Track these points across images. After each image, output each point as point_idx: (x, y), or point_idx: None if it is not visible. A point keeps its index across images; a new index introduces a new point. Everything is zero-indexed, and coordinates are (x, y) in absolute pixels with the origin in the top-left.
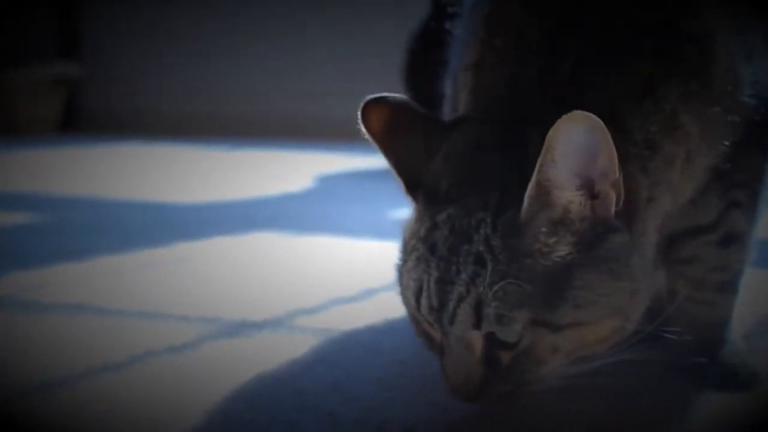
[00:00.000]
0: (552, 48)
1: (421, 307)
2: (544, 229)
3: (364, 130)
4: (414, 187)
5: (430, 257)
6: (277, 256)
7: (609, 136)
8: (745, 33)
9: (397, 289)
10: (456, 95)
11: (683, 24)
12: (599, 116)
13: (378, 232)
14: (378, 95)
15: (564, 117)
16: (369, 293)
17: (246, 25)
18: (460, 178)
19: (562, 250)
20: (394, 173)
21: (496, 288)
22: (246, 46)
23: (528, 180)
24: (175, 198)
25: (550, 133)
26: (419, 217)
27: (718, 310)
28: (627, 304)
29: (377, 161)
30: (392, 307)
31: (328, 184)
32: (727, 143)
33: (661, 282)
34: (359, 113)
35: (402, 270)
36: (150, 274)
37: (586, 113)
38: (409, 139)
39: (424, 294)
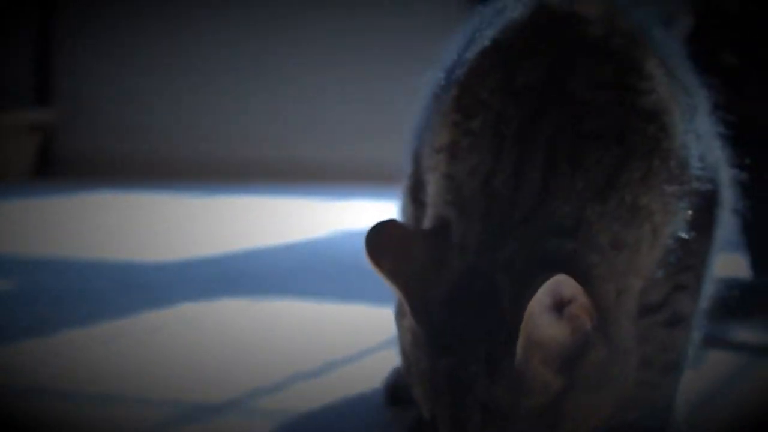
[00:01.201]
0: (525, 136)
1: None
2: (538, 370)
3: (370, 259)
4: (421, 313)
5: (437, 399)
6: (243, 323)
7: (580, 289)
8: (694, 113)
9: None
10: (418, 173)
11: (641, 102)
12: (568, 232)
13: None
14: (380, 222)
15: (538, 290)
16: (332, 366)
17: (222, 68)
18: (452, 320)
19: (555, 381)
20: (404, 301)
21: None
22: (224, 90)
23: (504, 327)
24: (145, 255)
25: (529, 304)
26: (425, 354)
27: (662, 392)
28: (608, 405)
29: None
30: (354, 383)
31: (311, 238)
32: (684, 220)
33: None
34: (365, 244)
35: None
36: (114, 349)
37: (559, 279)
38: (412, 262)
39: (433, 407)
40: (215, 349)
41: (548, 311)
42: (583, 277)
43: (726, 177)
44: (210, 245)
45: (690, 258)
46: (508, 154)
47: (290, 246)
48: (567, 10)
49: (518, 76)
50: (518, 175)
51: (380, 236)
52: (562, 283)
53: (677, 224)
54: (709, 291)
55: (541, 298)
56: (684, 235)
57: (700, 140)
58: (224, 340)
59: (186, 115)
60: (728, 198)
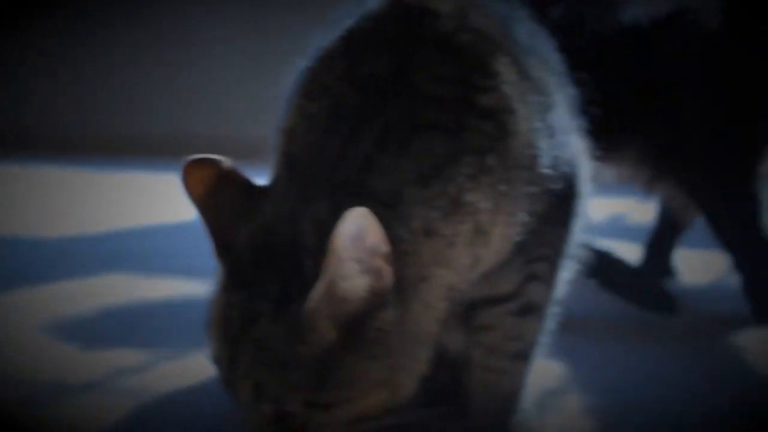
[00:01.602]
0: (360, 121)
1: (221, 382)
2: (323, 320)
3: (184, 188)
4: (224, 253)
5: (223, 335)
6: (120, 301)
7: (375, 220)
8: (548, 111)
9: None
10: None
11: (481, 99)
12: (380, 201)
13: None
14: (201, 156)
15: (341, 221)
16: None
17: (134, 41)
18: (254, 260)
19: (333, 336)
20: (208, 235)
21: (271, 374)
22: (139, 63)
23: (302, 272)
24: (40, 231)
25: (334, 237)
26: (223, 289)
27: (511, 379)
28: (390, 378)
29: None
30: None
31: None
32: (527, 216)
33: (459, 347)
34: (181, 172)
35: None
36: None
37: (358, 210)
38: (227, 204)
39: (222, 372)
40: (85, 327)
41: (351, 260)
42: (390, 241)
43: (584, 171)
44: (104, 222)
45: (543, 249)
46: (340, 134)
47: (185, 224)
48: (420, 4)
49: (363, 65)
50: (345, 151)
51: (200, 169)
52: (364, 219)
53: (516, 222)
54: (565, 280)
55: (345, 241)
56: (533, 228)
57: (555, 137)
58: (97, 320)
59: (93, 88)
60: (586, 191)
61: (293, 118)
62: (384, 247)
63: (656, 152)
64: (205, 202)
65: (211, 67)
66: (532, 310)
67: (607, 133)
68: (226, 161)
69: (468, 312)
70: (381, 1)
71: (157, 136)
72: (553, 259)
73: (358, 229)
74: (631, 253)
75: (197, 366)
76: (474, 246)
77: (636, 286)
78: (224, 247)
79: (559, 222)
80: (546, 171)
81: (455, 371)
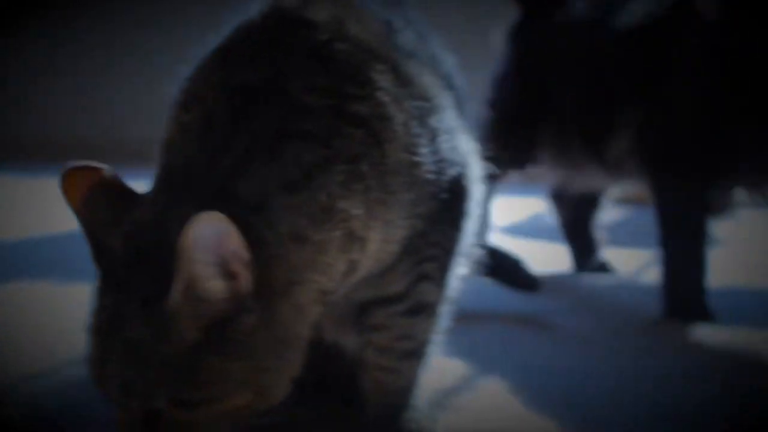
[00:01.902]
0: (231, 131)
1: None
2: (184, 320)
3: (63, 195)
4: (99, 258)
5: (95, 335)
6: (35, 309)
7: (232, 225)
8: (430, 115)
9: None
10: None
11: (353, 107)
12: (246, 207)
13: None
14: (80, 164)
15: (191, 221)
16: None
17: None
18: (124, 263)
19: (196, 334)
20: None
21: (138, 372)
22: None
23: (169, 273)
24: None
25: (183, 236)
26: (97, 292)
27: (402, 377)
28: (255, 379)
29: None
30: None
31: None
32: (410, 220)
33: (352, 348)
34: (60, 179)
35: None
36: None
37: (211, 213)
38: (103, 210)
39: (92, 369)
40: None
41: (204, 263)
42: (254, 246)
43: (474, 172)
44: (39, 228)
45: (433, 250)
46: (212, 144)
47: None
48: (296, 14)
49: (237, 75)
50: (215, 159)
51: (79, 176)
52: (219, 223)
53: (396, 227)
54: (458, 280)
55: (192, 241)
56: (421, 230)
57: (438, 141)
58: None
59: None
60: (476, 192)
61: (170, 130)
62: (243, 251)
63: (643, 139)
64: (82, 209)
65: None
66: (423, 310)
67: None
68: (105, 169)
69: (360, 313)
70: (259, 10)
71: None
72: (443, 260)
73: (211, 231)
74: (550, 251)
75: None
76: (348, 252)
77: (506, 269)
78: (99, 252)
79: (447, 223)
80: (428, 175)
81: (353, 372)
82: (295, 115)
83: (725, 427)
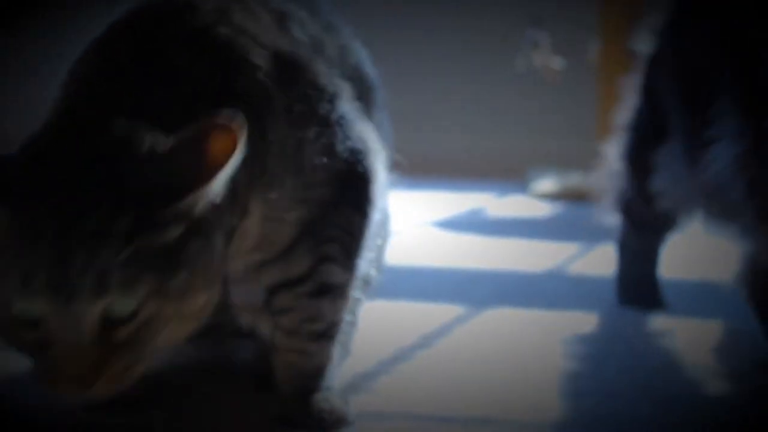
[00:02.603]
0: (106, 117)
1: (29, 294)
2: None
3: None
4: None
5: (35, 246)
6: None
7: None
8: (323, 101)
9: None
10: None
11: (233, 84)
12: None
13: None
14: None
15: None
16: None
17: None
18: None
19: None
20: None
21: (122, 254)
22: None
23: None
24: None
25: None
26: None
27: (311, 358)
28: (213, 280)
29: None
30: None
31: None
32: (302, 202)
33: (264, 332)
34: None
35: None
36: None
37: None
38: None
39: (36, 280)
40: None
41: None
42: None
43: (375, 157)
44: None
45: (332, 230)
46: (85, 134)
47: None
48: (183, 1)
49: (120, 58)
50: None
51: None
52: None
53: (281, 210)
54: (368, 262)
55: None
56: (320, 213)
57: (335, 128)
58: None
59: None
60: (379, 177)
61: (51, 116)
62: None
63: None
64: None
65: None
66: (329, 291)
67: None
68: None
69: (268, 297)
70: None
71: None
72: (345, 241)
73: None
74: (488, 247)
75: None
76: (232, 212)
77: None
78: None
79: (350, 207)
80: (318, 159)
81: (265, 354)
82: (175, 98)
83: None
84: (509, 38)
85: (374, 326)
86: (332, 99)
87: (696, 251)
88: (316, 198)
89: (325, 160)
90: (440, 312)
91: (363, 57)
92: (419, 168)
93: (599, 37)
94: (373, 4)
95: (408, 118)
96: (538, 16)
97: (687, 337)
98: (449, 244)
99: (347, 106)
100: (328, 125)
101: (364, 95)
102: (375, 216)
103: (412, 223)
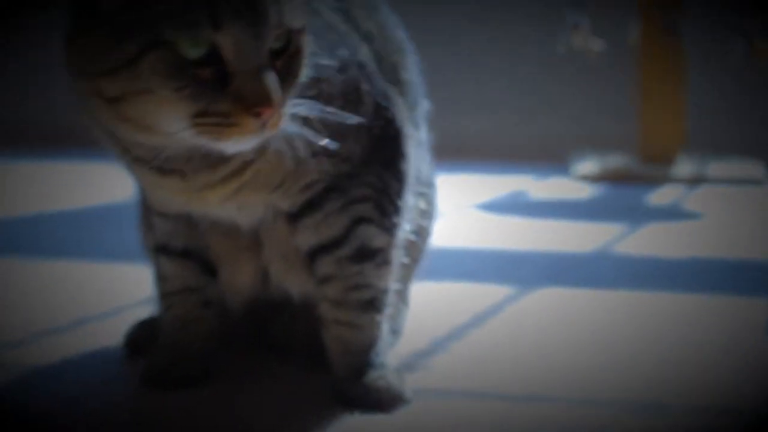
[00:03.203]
0: None
1: (221, 20)
2: None
3: None
4: None
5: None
6: (10, 286)
7: None
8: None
9: None
10: None
11: None
12: None
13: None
14: None
15: None
16: (79, 323)
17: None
18: None
19: None
20: None
21: None
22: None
23: None
24: None
25: None
26: None
27: (361, 332)
28: None
29: None
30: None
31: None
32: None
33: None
34: None
35: None
36: None
37: None
38: None
39: (226, 7)
40: None
41: None
42: None
43: (402, 112)
44: (4, 208)
45: (364, 190)
46: None
47: (80, 211)
48: None
49: None
50: None
51: None
52: None
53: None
54: (409, 227)
55: None
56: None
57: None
58: None
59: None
60: (409, 131)
61: None
62: None
63: None
64: None
65: None
66: (370, 255)
67: None
68: None
69: (311, 265)
70: None
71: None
72: (380, 202)
73: None
74: (531, 229)
75: (73, 339)
76: None
77: None
78: None
79: (381, 164)
80: (345, 105)
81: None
82: None
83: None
84: (550, 20)
85: (425, 306)
86: (352, 47)
87: None
88: (342, 153)
89: (351, 108)
90: (490, 292)
91: (392, 21)
92: (460, 151)
93: (640, 18)
94: None
95: (448, 102)
96: None
97: (740, 317)
98: (493, 226)
99: (367, 59)
100: (349, 70)
101: (393, 55)
102: (410, 173)
103: (455, 205)
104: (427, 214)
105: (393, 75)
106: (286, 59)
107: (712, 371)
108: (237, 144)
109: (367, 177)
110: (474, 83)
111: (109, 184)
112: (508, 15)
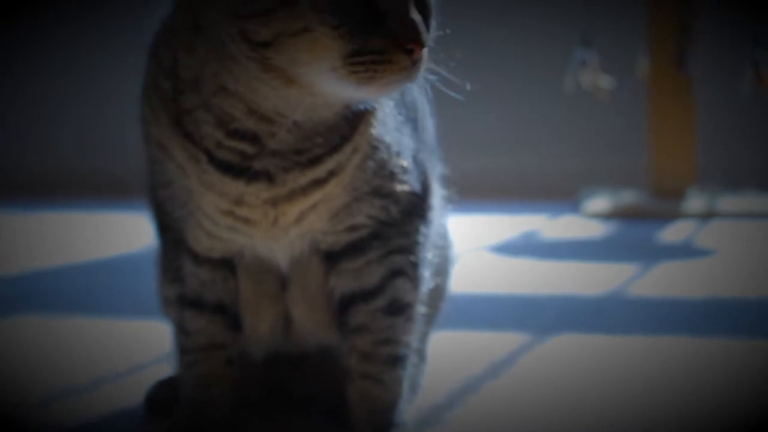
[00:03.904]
0: None
1: None
2: None
3: None
4: None
5: None
6: (30, 343)
7: None
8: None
9: None
10: None
11: None
12: None
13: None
14: None
15: None
16: (101, 382)
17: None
18: None
19: None
20: None
21: None
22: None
23: None
24: None
25: None
26: None
27: (388, 389)
28: None
29: None
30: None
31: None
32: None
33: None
34: None
35: None
36: None
37: None
38: None
39: None
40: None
41: None
42: None
43: (435, 165)
44: (23, 261)
45: (403, 240)
46: None
47: (97, 263)
48: None
49: None
50: None
51: None
52: None
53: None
54: (427, 280)
55: None
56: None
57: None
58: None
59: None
60: (438, 185)
61: None
62: None
63: None
64: None
65: None
66: (402, 310)
67: None
68: None
69: (342, 312)
70: None
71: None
72: (414, 254)
73: None
74: (545, 271)
75: (95, 398)
76: None
77: None
78: None
79: (418, 216)
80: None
81: (341, 384)
82: None
83: None
84: (558, 59)
85: (441, 356)
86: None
87: None
88: (392, 196)
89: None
90: (505, 340)
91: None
92: (470, 191)
93: (648, 54)
94: None
95: (456, 141)
96: (587, 36)
97: (760, 360)
98: (506, 269)
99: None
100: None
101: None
102: (432, 230)
103: (467, 248)
104: (443, 269)
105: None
106: (420, 4)
107: (735, 416)
108: (387, 85)
109: (407, 227)
110: (481, 122)
111: (119, 234)
112: (515, 54)
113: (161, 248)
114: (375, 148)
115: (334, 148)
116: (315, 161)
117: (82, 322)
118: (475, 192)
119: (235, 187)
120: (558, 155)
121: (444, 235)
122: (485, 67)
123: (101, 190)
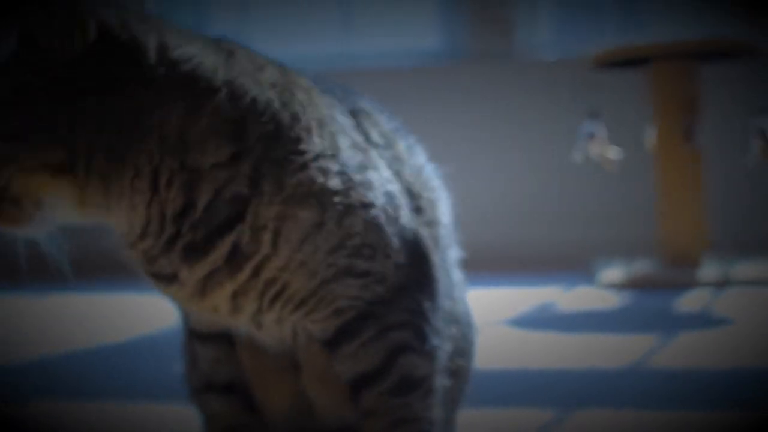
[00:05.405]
0: None
1: None
2: None
3: None
4: None
5: None
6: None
7: None
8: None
9: None
10: None
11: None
12: None
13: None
14: None
15: None
16: None
17: None
18: None
19: None
20: None
21: None
22: None
23: None
24: None
25: None
26: None
27: None
28: None
29: None
30: None
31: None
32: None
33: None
34: None
35: None
36: None
37: None
38: None
39: None
40: None
41: None
42: None
43: (445, 230)
44: (43, 345)
45: (402, 316)
46: None
47: (117, 346)
48: (126, 37)
49: None
50: None
51: None
52: None
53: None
54: (447, 347)
55: None
56: (381, 294)
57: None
58: None
59: None
60: (434, 256)
61: None
62: None
63: None
64: None
65: None
66: (415, 385)
67: None
68: None
69: (353, 396)
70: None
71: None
72: (419, 327)
73: None
74: (564, 345)
75: None
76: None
77: None
78: None
79: (416, 289)
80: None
81: None
82: None
83: None
84: (567, 131)
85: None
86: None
87: None
88: (373, 274)
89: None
90: (529, 418)
91: (425, 161)
92: (484, 264)
93: (655, 125)
94: (431, 99)
95: (469, 214)
96: (594, 109)
97: None
98: (525, 344)
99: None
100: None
101: (427, 205)
102: (440, 297)
103: (485, 322)
104: (465, 351)
105: (428, 213)
106: None
107: None
108: None
109: (401, 305)
110: (493, 195)
111: (136, 315)
112: (524, 126)
113: (184, 337)
114: (318, 226)
115: (218, 231)
116: (197, 250)
117: (102, 407)
118: (489, 264)
119: (163, 288)
120: (569, 226)
121: (466, 316)
122: (493, 141)
123: (113, 270)
